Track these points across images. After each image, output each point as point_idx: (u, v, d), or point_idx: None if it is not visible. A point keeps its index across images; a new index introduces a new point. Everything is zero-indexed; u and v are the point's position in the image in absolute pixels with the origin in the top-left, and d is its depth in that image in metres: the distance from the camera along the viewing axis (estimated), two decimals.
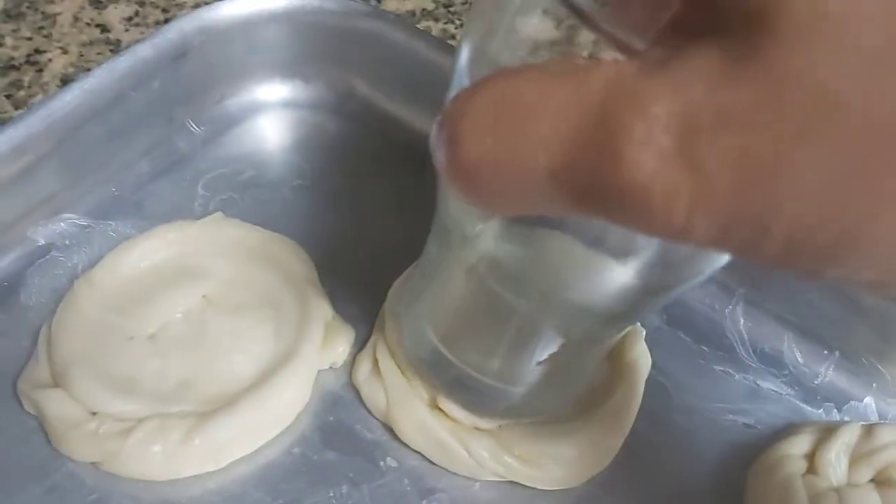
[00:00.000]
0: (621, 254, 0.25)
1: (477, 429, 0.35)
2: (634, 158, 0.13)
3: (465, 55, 0.23)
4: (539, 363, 0.32)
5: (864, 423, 0.36)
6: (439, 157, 0.17)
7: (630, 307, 0.29)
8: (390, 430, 0.36)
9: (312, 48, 0.46)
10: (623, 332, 0.35)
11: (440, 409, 0.35)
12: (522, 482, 0.34)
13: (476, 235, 0.28)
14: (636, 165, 0.13)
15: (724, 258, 0.25)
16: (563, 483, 0.35)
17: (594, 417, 0.36)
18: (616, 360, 0.38)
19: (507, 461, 0.34)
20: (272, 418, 0.35)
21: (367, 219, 0.43)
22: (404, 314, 0.36)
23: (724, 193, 0.13)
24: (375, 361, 0.36)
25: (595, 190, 0.14)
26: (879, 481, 0.35)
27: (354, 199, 0.44)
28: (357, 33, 0.46)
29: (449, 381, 0.35)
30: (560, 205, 0.15)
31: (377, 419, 0.36)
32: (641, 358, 0.38)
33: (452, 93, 0.20)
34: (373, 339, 0.37)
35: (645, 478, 0.36)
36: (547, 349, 0.32)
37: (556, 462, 0.34)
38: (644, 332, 0.39)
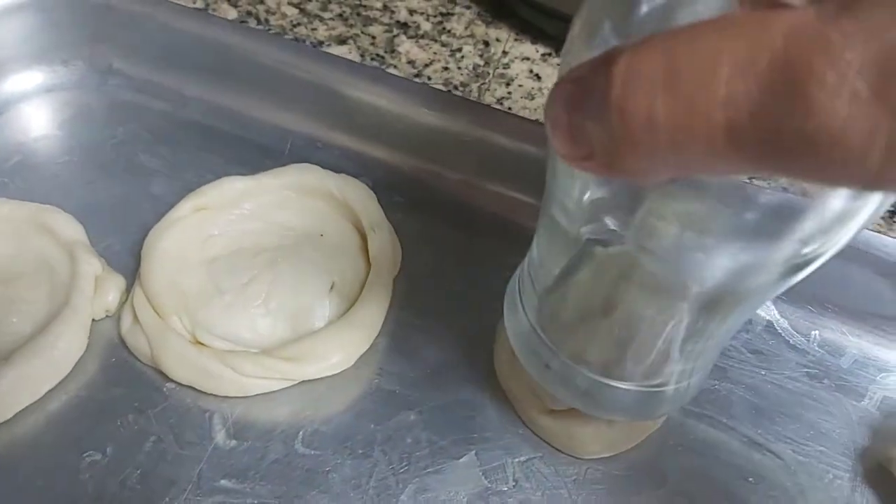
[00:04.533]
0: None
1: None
2: (827, 104, 0.13)
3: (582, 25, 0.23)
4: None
5: None
6: (591, 128, 0.16)
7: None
8: None
9: (66, 31, 0.49)
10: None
11: (201, 344, 0.38)
12: (290, 378, 0.38)
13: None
14: (830, 111, 0.13)
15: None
16: (327, 370, 0.39)
17: (350, 314, 0.40)
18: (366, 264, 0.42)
19: (270, 363, 0.38)
20: (50, 367, 0.38)
21: (137, 182, 0.46)
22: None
23: None
24: (136, 312, 0.39)
25: (779, 142, 0.14)
26: None
27: (124, 166, 0.47)
28: (108, 10, 0.49)
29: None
30: (733, 164, 0.15)
31: (147, 364, 0.39)
32: (383, 255, 0.42)
33: (574, 61, 0.18)
34: (132, 291, 0.40)
35: (409, 354, 0.41)
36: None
37: (318, 355, 0.38)
38: (388, 229, 0.43)
